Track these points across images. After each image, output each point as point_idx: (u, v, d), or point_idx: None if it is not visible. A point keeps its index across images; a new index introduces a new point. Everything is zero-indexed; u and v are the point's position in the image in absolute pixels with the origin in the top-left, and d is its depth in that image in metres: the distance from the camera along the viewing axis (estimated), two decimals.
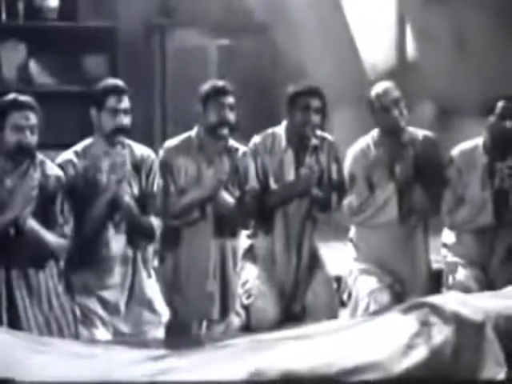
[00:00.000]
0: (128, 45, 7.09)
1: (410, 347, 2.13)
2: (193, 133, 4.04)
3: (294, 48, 7.19)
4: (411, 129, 4.25)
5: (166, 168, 3.96)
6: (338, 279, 4.31)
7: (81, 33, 6.58)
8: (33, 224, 3.42)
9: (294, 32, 7.24)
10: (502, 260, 4.04)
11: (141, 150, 3.88)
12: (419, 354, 2.11)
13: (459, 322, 2.10)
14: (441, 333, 2.11)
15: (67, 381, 2.42)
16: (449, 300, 2.32)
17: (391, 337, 2.13)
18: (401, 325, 2.19)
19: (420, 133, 4.28)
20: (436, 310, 2.20)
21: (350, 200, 4.15)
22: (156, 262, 4.04)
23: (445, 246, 4.28)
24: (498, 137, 4.14)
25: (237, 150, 4.09)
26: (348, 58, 6.93)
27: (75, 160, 3.73)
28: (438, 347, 2.05)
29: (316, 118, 4.02)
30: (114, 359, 2.63)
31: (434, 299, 2.31)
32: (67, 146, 3.84)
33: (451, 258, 4.21)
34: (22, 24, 6.14)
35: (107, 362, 2.58)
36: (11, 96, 3.48)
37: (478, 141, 4.23)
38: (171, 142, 4.06)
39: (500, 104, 4.14)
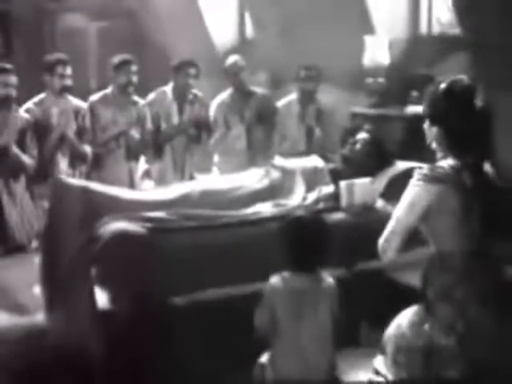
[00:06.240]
0: (22, 26, 8.14)
1: (260, 180, 4.09)
2: (108, 90, 5.61)
3: (158, 30, 8.25)
4: (253, 88, 5.94)
5: (92, 113, 5.50)
6: None
7: None
8: (15, 149, 4.99)
9: (158, 17, 8.29)
10: None
11: (77, 102, 5.47)
12: (265, 181, 4.08)
13: (283, 170, 4.13)
14: (275, 174, 4.11)
15: None
16: (279, 162, 4.40)
17: (251, 176, 4.13)
18: (256, 172, 4.19)
19: (260, 91, 5.95)
20: (273, 166, 4.24)
21: (214, 136, 5.83)
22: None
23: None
24: (303, 93, 5.81)
25: (138, 102, 5.70)
26: (201, 39, 8.02)
27: (34, 108, 5.31)
28: (274, 180, 4.07)
29: (192, 81, 5.69)
30: None
31: (274, 161, 4.41)
32: None
33: None
34: None
35: None
36: None
37: (294, 95, 5.86)
38: (94, 97, 5.60)
39: (302, 72, 5.74)
